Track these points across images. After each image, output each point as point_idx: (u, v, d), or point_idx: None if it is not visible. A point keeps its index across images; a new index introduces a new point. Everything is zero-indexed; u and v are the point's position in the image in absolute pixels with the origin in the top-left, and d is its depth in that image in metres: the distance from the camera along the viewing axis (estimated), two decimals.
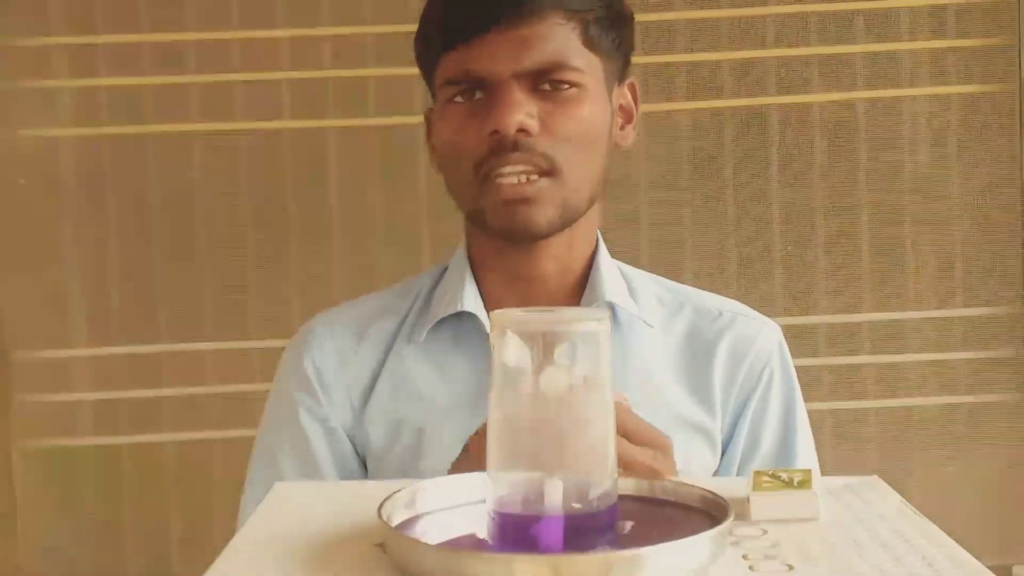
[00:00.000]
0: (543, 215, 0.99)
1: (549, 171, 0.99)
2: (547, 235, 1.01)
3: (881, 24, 1.70)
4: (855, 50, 1.70)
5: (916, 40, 1.70)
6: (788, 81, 1.70)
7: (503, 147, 0.97)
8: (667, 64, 1.69)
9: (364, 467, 1.08)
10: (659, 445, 0.86)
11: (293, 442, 1.08)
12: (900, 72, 1.71)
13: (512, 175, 0.98)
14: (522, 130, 0.97)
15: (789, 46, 1.70)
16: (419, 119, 1.14)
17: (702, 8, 1.68)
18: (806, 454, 1.11)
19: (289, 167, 1.69)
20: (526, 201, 0.98)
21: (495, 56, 0.97)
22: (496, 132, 0.97)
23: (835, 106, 1.70)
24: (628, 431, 0.84)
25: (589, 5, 1.00)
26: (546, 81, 0.98)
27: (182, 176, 1.69)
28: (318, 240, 1.69)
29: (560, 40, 0.98)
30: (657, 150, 1.70)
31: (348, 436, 1.08)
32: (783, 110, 1.70)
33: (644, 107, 1.68)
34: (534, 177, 0.98)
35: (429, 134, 1.11)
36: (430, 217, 1.69)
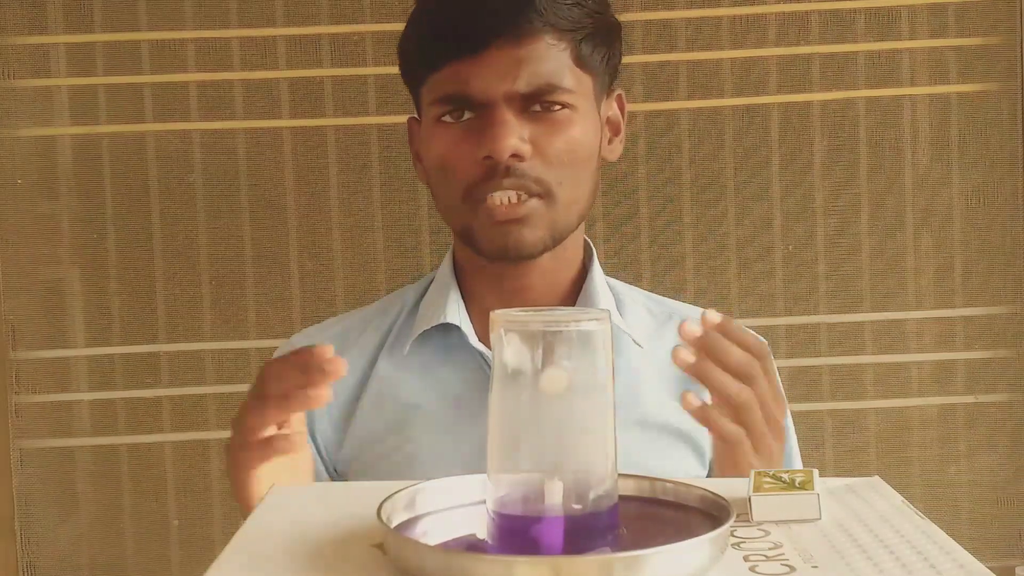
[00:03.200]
0: (534, 236, 0.99)
1: (541, 194, 0.98)
2: (537, 255, 1.01)
3: (881, 23, 1.70)
4: (856, 49, 1.70)
5: (916, 39, 1.70)
6: (789, 80, 1.70)
7: (496, 172, 0.96)
8: (667, 63, 1.69)
9: None
10: (756, 351, 0.82)
11: None
12: (900, 71, 1.70)
13: (503, 196, 0.97)
14: (515, 155, 0.96)
15: (790, 45, 1.69)
16: (407, 132, 1.13)
17: (703, 7, 1.68)
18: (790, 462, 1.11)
19: (288, 166, 1.69)
20: (517, 222, 0.98)
21: (487, 77, 0.95)
22: (489, 157, 0.96)
23: (836, 105, 1.70)
24: (718, 353, 0.81)
25: (580, 24, 0.98)
26: (537, 103, 0.98)
27: (181, 175, 1.69)
28: (317, 240, 1.69)
29: (552, 61, 0.97)
30: (657, 150, 1.70)
31: (329, 456, 1.08)
32: (783, 109, 1.70)
33: (644, 107, 1.69)
34: (524, 197, 0.97)
35: (412, 141, 1.10)
36: (430, 217, 1.69)
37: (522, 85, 0.96)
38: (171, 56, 1.68)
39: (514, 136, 0.95)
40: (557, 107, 0.98)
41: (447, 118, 0.99)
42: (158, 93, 1.68)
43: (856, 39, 1.70)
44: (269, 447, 0.81)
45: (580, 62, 0.99)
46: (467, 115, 0.98)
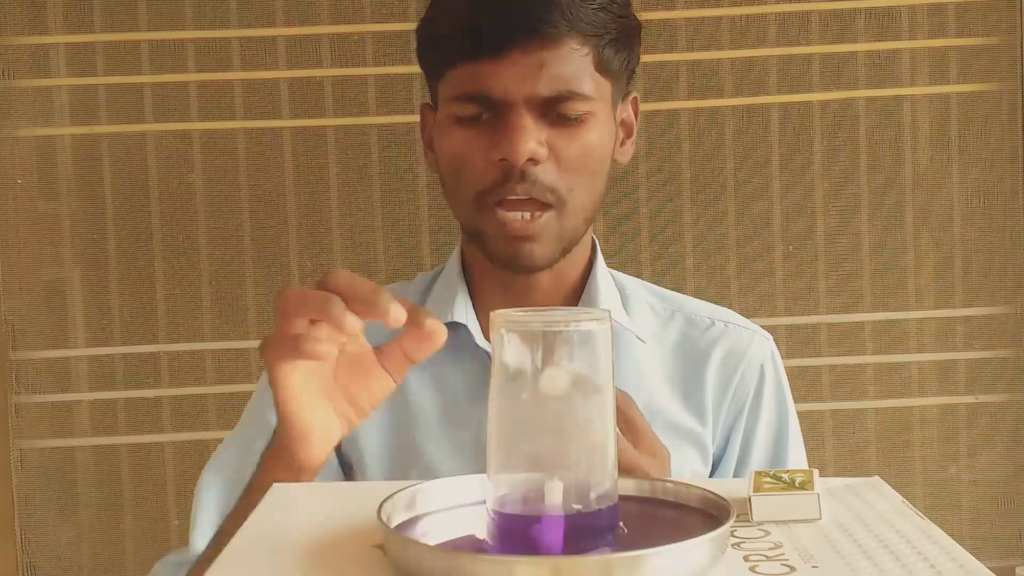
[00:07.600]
0: (544, 251, 0.98)
1: (553, 204, 0.97)
2: (547, 267, 1.01)
3: (882, 23, 1.70)
4: (856, 49, 1.70)
5: (916, 39, 1.70)
6: (789, 80, 1.70)
7: (510, 176, 0.95)
8: (667, 63, 1.69)
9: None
10: (661, 456, 0.86)
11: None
12: (900, 71, 1.70)
13: (517, 211, 0.96)
14: (531, 159, 0.95)
15: (790, 45, 1.69)
16: (419, 118, 1.13)
17: (703, 6, 1.68)
18: (796, 465, 1.10)
19: (288, 166, 1.69)
20: (529, 239, 0.97)
21: (508, 79, 0.94)
22: (504, 160, 0.95)
23: (836, 105, 1.70)
24: (636, 435, 0.84)
25: (605, 29, 0.97)
26: (555, 108, 0.96)
27: (181, 175, 1.69)
28: (317, 240, 1.69)
29: (574, 67, 0.95)
30: (657, 149, 1.70)
31: (340, 452, 1.07)
32: (783, 109, 1.70)
33: (644, 106, 1.68)
34: (538, 214, 0.97)
35: (424, 128, 1.10)
36: (430, 217, 1.69)
37: (543, 89, 0.94)
38: (171, 56, 1.68)
39: (532, 140, 0.94)
40: (575, 113, 0.97)
41: (464, 116, 0.98)
42: (158, 93, 1.68)
43: (856, 39, 1.70)
44: (295, 346, 0.74)
45: (601, 67, 0.98)
46: (484, 115, 0.97)
